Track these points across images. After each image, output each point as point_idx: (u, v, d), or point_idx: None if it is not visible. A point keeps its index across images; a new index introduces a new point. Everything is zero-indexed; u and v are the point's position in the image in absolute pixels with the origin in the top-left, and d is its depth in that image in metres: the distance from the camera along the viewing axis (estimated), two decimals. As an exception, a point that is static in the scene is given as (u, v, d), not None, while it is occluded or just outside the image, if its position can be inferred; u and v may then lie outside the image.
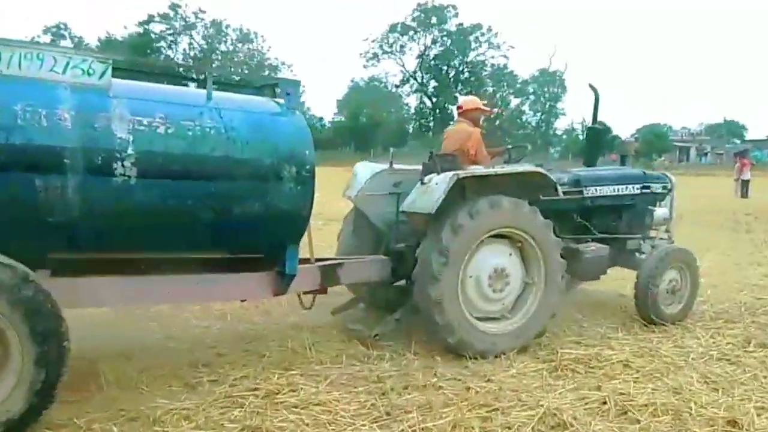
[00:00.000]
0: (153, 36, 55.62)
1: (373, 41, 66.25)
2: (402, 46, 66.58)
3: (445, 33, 66.56)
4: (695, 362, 4.79)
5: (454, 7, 64.70)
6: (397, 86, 67.60)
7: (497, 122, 63.67)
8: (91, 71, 3.77)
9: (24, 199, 3.46)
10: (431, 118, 66.92)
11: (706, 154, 64.80)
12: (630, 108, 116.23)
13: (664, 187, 6.38)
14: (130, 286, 4.00)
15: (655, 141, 54.77)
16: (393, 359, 4.69)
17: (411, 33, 66.56)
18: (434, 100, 66.41)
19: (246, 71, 54.74)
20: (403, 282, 5.29)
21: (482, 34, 66.11)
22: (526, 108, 67.03)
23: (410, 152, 64.07)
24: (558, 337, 5.35)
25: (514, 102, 66.29)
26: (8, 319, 3.24)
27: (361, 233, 5.68)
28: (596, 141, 6.62)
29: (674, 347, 5.17)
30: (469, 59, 66.12)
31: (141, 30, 54.93)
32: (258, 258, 4.45)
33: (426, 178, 4.79)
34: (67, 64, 3.71)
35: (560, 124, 70.76)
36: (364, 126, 59.91)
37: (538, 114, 66.56)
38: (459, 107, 6.28)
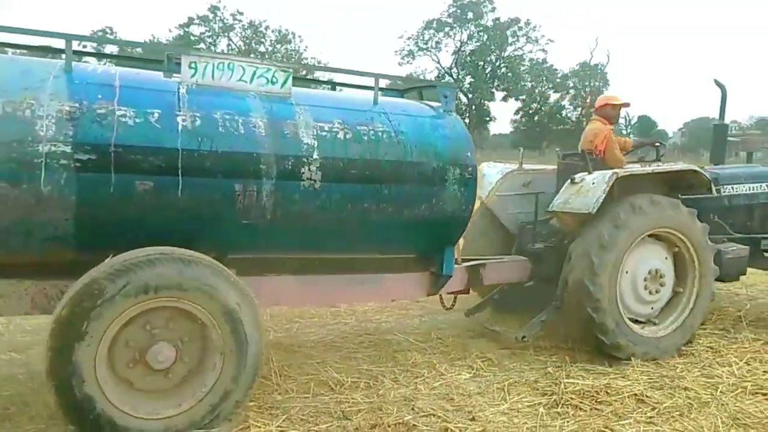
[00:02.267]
0: (192, 38, 56.44)
1: (408, 38, 66.19)
2: (438, 43, 66.35)
3: (481, 28, 66.13)
4: (724, 397, 4.16)
5: (490, 1, 64.30)
6: (432, 82, 67.34)
7: (536, 118, 63.26)
8: (274, 80, 3.99)
9: (224, 202, 3.67)
10: (467, 115, 66.65)
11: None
12: (677, 101, 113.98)
13: None
14: (307, 285, 4.19)
15: (703, 135, 53.76)
16: (369, 388, 4.25)
17: (447, 29, 66.28)
18: (470, 96, 66.10)
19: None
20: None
21: (520, 29, 65.52)
22: (566, 103, 66.33)
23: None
24: (565, 362, 4.79)
25: (554, 97, 65.62)
26: (216, 324, 3.46)
27: (490, 234, 5.80)
28: (723, 138, 6.60)
29: (701, 377, 4.53)
30: (506, 54, 65.69)
31: (182, 32, 55.80)
32: (412, 259, 4.62)
33: (577, 177, 4.87)
34: (254, 73, 3.95)
35: (602, 119, 69.81)
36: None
37: (579, 109, 65.84)
38: (595, 104, 6.27)
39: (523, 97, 65.18)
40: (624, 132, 67.76)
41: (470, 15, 64.35)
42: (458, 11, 64.22)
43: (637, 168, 5.02)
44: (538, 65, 64.71)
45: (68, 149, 3.30)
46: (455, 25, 64.94)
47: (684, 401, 4.09)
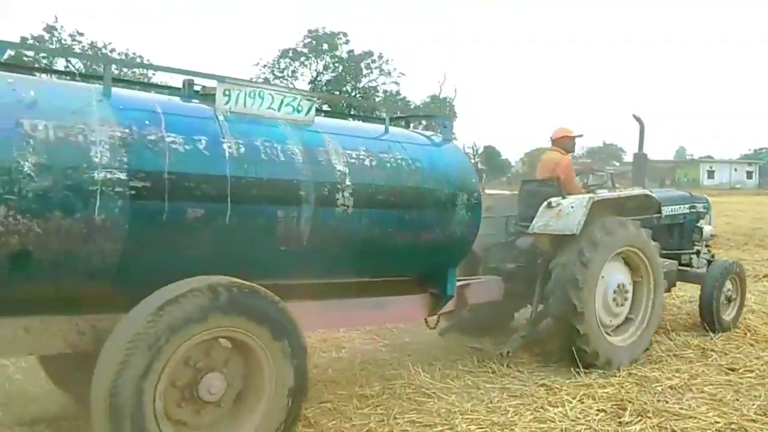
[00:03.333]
0: (26, 59, 52.27)
1: (264, 66, 66.24)
2: (294, 72, 67.04)
3: (336, 59, 67.87)
4: (558, 447, 3.84)
5: (345, 34, 66.47)
6: (289, 112, 67.72)
7: (392, 148, 65.61)
8: (300, 108, 4.09)
9: (267, 229, 3.70)
10: (325, 144, 67.32)
11: (589, 176, 69.83)
12: (518, 133, 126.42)
13: (704, 207, 7.37)
14: (327, 310, 4.25)
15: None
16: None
17: (302, 59, 67.22)
18: (328, 125, 66.98)
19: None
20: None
21: (373, 61, 68.02)
22: (419, 133, 69.40)
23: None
24: (391, 408, 4.33)
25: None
26: (265, 347, 3.43)
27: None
28: (643, 166, 7.46)
29: (534, 421, 4.17)
30: (361, 85, 67.88)
31: (14, 53, 51.51)
32: (414, 281, 4.83)
33: (553, 202, 5.36)
34: (281, 101, 4.02)
35: (452, 149, 73.88)
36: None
37: (432, 139, 69.12)
38: (551, 136, 6.84)
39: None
40: (472, 161, 72.38)
41: (325, 46, 65.77)
42: (313, 42, 65.41)
43: (606, 194, 5.65)
44: (392, 96, 67.39)
45: (123, 176, 3.20)
46: (311, 55, 66.03)
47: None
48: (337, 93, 66.63)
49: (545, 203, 5.39)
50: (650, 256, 5.69)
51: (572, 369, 5.10)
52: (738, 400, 4.60)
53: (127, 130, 3.29)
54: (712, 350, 5.86)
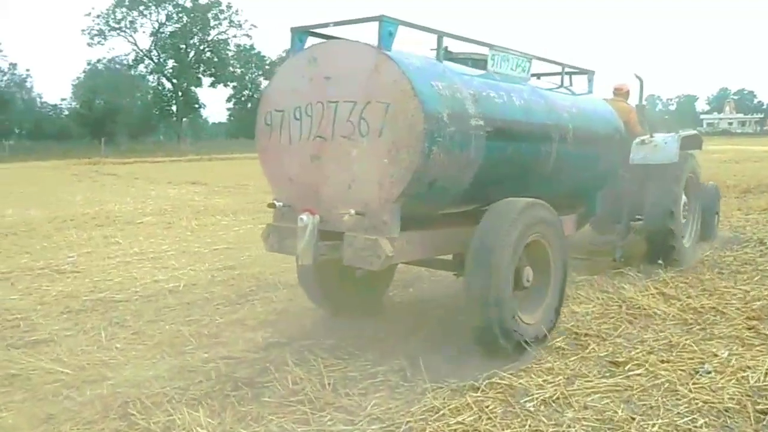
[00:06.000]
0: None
1: (97, 17, 62.48)
2: (132, 22, 63.98)
3: (180, 9, 65.53)
4: None
5: (189, -20, 64.32)
6: (130, 66, 64.68)
7: (249, 105, 65.12)
8: (524, 68, 5.54)
9: (536, 159, 5.21)
10: (174, 102, 65.62)
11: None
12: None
13: None
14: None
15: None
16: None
17: (141, 8, 64.22)
18: (175, 81, 65.11)
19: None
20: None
21: (221, 12, 66.48)
22: (278, 89, 69.42)
23: (163, 141, 62.38)
24: None
25: (265, 83, 68.25)
26: (551, 245, 4.94)
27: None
28: (643, 115, 9.38)
29: None
30: (210, 38, 66.28)
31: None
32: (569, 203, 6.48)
33: (645, 139, 7.24)
34: (516, 63, 5.45)
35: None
36: (100, 113, 57.07)
37: (292, 95, 69.51)
38: (617, 88, 8.51)
39: (234, 83, 66.67)
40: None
41: (166, -6, 63.32)
42: (153, -11, 62.69)
43: (683, 132, 7.62)
44: (246, 51, 66.66)
45: (482, 123, 4.56)
46: (150, 4, 63.27)
47: None
48: (183, 47, 64.82)
49: (637, 141, 7.24)
50: (699, 179, 7.94)
51: (420, 386, 4.03)
52: (633, 418, 3.59)
53: (474, 90, 4.64)
54: (586, 334, 4.99)
